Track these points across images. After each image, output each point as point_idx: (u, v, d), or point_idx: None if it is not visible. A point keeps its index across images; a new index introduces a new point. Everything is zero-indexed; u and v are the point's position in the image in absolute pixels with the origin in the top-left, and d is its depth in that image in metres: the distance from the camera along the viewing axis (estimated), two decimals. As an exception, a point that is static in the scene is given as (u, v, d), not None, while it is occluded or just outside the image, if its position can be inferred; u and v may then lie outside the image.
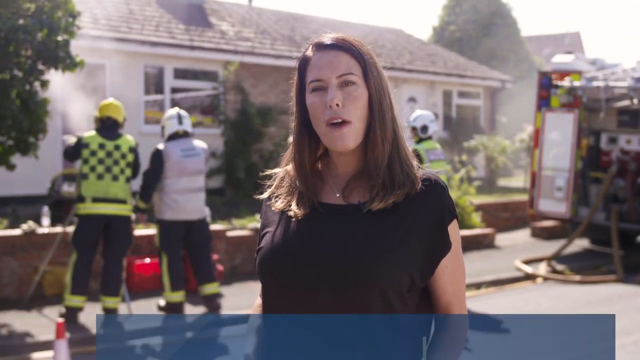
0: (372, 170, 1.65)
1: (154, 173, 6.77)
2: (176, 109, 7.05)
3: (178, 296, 6.86)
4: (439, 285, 1.67)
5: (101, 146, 6.67)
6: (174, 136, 6.89)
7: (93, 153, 6.64)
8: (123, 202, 6.69)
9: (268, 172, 1.83)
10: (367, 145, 1.66)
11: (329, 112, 1.62)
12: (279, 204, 1.73)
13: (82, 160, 6.66)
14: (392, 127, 1.68)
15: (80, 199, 6.63)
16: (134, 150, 6.82)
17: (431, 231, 1.63)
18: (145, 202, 6.86)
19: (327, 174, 1.73)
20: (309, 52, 1.70)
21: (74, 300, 6.54)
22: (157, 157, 6.78)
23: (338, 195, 1.69)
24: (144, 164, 7.08)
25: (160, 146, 6.84)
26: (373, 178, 1.65)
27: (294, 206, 1.69)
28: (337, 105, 1.61)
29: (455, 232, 1.68)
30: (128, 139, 6.85)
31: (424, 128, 7.60)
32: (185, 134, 6.94)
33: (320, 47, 1.68)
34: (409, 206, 1.63)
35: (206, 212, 7.12)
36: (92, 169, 6.62)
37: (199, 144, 6.99)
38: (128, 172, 6.77)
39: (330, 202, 1.69)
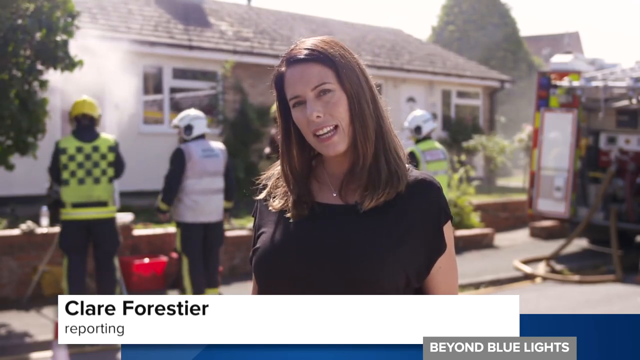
0: (357, 170, 1.66)
1: (176, 173, 6.53)
2: (194, 110, 6.88)
3: None
4: (433, 285, 1.68)
5: (79, 149, 6.49)
6: (197, 137, 6.69)
7: (71, 158, 6.47)
8: (104, 204, 6.57)
9: (262, 174, 1.82)
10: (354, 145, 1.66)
11: (312, 124, 1.62)
12: (275, 204, 1.72)
13: (62, 166, 6.47)
14: (374, 123, 1.66)
15: (62, 204, 6.54)
16: (114, 149, 6.61)
17: (427, 232, 1.64)
18: (168, 204, 6.62)
19: (323, 173, 1.73)
20: (282, 68, 1.69)
21: None
22: (179, 157, 6.53)
23: (335, 195, 1.69)
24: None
25: (182, 146, 6.64)
26: (360, 178, 1.65)
27: (290, 206, 1.69)
28: (318, 117, 1.61)
29: (450, 232, 1.69)
30: (106, 137, 6.66)
31: (418, 129, 7.48)
32: (202, 136, 6.74)
33: (290, 61, 1.67)
34: (405, 206, 1.64)
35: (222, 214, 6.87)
36: (72, 174, 6.47)
37: (217, 145, 6.82)
38: (110, 172, 6.58)
39: (328, 202, 1.69)
